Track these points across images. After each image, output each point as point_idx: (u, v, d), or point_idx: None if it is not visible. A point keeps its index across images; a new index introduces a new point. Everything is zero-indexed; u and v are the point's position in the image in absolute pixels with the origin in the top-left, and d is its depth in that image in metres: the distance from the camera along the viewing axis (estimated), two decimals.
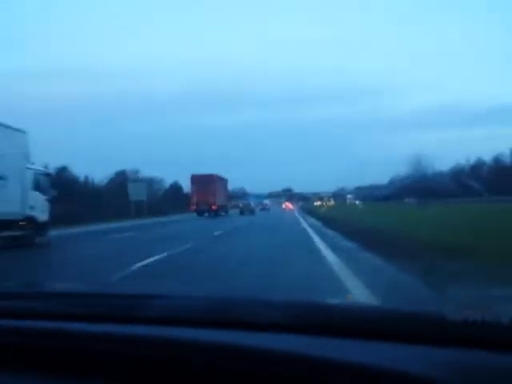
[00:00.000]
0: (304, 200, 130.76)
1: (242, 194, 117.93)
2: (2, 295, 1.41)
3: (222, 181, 52.27)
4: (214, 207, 45.12)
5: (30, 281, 4.67)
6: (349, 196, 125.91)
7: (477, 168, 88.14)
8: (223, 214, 49.04)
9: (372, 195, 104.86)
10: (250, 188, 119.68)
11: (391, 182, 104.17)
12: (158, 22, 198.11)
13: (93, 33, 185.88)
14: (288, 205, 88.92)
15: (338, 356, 0.91)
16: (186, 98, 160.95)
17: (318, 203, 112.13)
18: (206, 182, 45.72)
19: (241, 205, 54.50)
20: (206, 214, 44.94)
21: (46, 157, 41.84)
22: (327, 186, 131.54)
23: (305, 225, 24.75)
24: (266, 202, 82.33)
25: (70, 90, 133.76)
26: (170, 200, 66.91)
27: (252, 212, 50.07)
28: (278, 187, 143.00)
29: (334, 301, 1.34)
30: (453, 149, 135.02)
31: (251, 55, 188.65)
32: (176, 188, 79.34)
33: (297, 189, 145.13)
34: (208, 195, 44.93)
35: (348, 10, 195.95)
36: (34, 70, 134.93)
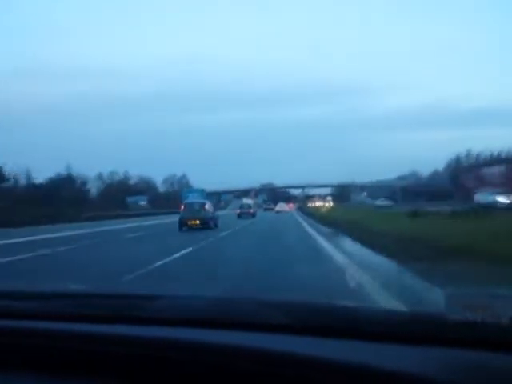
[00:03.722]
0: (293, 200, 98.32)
1: (179, 189, 75.91)
2: (3, 295, 1.40)
3: None
4: None
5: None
6: None
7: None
8: None
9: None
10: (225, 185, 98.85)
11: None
12: (137, 20, 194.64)
13: (70, 32, 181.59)
14: (282, 205, 62.10)
15: (338, 357, 0.91)
16: (161, 96, 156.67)
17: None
18: None
19: (182, 207, 24.23)
20: None
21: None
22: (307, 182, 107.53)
23: None
24: (248, 201, 52.11)
25: (45, 90, 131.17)
26: None
27: (206, 223, 22.29)
28: (253, 183, 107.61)
29: (334, 302, 1.33)
30: (438, 149, 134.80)
31: (229, 54, 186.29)
32: None
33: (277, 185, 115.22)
34: None
35: (335, 10, 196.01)
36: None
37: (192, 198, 32.48)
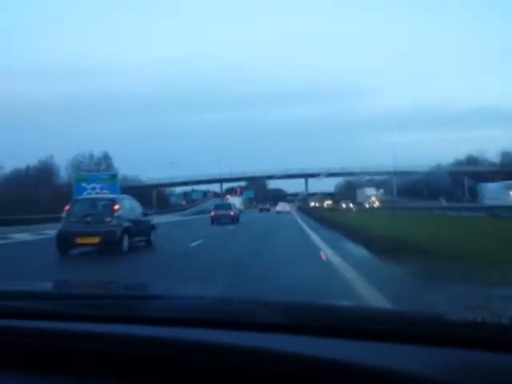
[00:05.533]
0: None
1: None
2: (3, 295, 1.40)
3: None
4: None
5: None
6: None
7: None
8: None
9: None
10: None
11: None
12: (134, 20, 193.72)
13: (67, 30, 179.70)
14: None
15: (338, 356, 0.91)
16: (158, 96, 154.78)
17: None
18: None
19: (66, 209, 12.39)
20: None
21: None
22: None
23: None
24: (235, 200, 44.76)
25: (43, 89, 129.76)
26: None
27: (114, 242, 11.32)
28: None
29: (333, 302, 1.35)
30: (429, 150, 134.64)
31: (225, 53, 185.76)
32: None
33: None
34: None
35: (328, 10, 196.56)
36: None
37: (89, 192, 17.99)
